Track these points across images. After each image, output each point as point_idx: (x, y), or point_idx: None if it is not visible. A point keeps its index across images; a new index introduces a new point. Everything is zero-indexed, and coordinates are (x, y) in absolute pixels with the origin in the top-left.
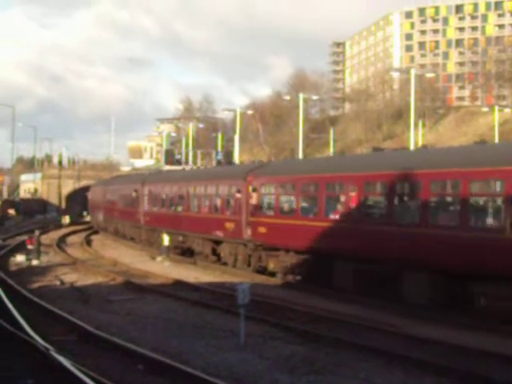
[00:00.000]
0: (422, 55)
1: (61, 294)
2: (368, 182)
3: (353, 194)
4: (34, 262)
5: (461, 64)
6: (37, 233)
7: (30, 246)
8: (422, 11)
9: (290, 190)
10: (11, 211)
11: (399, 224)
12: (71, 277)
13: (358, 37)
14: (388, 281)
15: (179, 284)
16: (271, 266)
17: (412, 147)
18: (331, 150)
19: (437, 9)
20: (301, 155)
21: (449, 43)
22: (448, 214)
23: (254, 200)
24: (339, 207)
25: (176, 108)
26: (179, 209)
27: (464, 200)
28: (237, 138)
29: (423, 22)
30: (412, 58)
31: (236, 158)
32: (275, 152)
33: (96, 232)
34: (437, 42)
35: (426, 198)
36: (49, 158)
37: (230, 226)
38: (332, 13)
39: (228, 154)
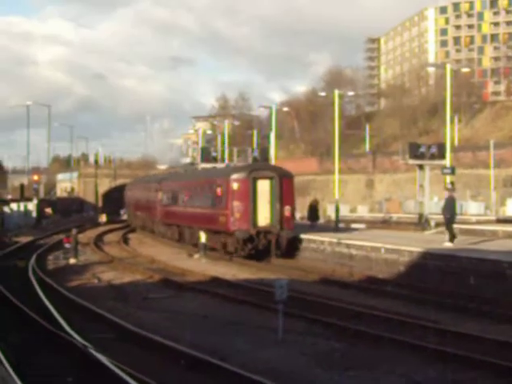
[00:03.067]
0: (457, 50)
1: (98, 292)
2: (189, 186)
3: (186, 191)
4: (72, 261)
5: (496, 59)
6: (74, 231)
7: (67, 245)
8: (456, 6)
9: (170, 190)
10: (48, 210)
11: (191, 207)
12: (109, 275)
13: (392, 32)
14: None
15: (217, 281)
16: (168, 233)
17: (448, 143)
18: (367, 146)
19: (471, 4)
20: (337, 152)
21: (484, 38)
22: (202, 202)
23: (159, 196)
24: (181, 200)
25: (212, 106)
26: (143, 202)
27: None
28: (272, 135)
29: (458, 17)
30: (447, 54)
31: (272, 155)
32: (311, 149)
33: (133, 230)
34: (472, 37)
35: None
36: (85, 157)
37: (154, 212)
38: (368, 9)
39: (264, 151)
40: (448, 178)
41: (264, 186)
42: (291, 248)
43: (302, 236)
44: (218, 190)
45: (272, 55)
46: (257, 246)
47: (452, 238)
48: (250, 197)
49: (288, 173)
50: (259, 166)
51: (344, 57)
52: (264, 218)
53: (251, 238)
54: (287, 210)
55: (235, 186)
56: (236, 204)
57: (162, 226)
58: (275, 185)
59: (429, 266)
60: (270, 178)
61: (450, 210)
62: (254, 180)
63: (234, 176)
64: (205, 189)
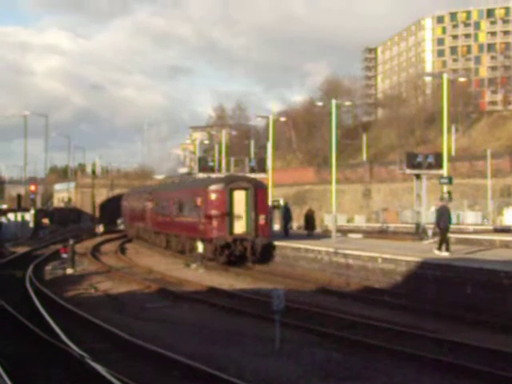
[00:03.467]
0: (454, 60)
1: (95, 302)
2: (174, 197)
3: (172, 201)
4: (69, 271)
5: (493, 68)
6: (71, 241)
7: (64, 255)
8: (453, 16)
9: (159, 201)
10: (45, 220)
11: (176, 216)
12: (106, 285)
13: (389, 42)
14: (183, 244)
15: (214, 291)
16: (157, 241)
17: (445, 153)
18: (364, 156)
19: (468, 13)
20: (334, 162)
21: (481, 48)
22: (185, 211)
23: (150, 206)
24: (168, 209)
25: (209, 115)
26: (136, 211)
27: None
28: (269, 145)
29: (455, 26)
30: (444, 63)
31: (269, 165)
32: (308, 158)
33: (130, 240)
34: (469, 47)
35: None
36: (82, 167)
37: (146, 221)
38: (365, 19)
39: (260, 161)
40: (445, 188)
41: (240, 196)
42: (267, 254)
43: (300, 245)
44: (198, 200)
45: (270, 65)
46: (234, 253)
47: (446, 246)
48: (226, 206)
49: (262, 184)
50: (236, 178)
51: (341, 66)
52: (240, 226)
53: (228, 244)
54: (262, 218)
55: (213, 196)
56: (214, 213)
57: (153, 234)
58: (250, 195)
59: (426, 275)
60: (246, 189)
61: (444, 219)
62: (231, 191)
63: (212, 187)
64: (187, 199)
